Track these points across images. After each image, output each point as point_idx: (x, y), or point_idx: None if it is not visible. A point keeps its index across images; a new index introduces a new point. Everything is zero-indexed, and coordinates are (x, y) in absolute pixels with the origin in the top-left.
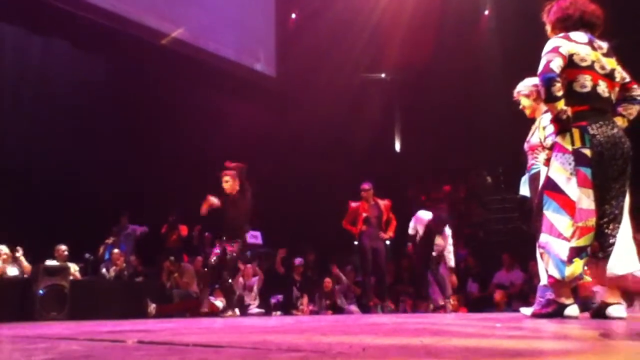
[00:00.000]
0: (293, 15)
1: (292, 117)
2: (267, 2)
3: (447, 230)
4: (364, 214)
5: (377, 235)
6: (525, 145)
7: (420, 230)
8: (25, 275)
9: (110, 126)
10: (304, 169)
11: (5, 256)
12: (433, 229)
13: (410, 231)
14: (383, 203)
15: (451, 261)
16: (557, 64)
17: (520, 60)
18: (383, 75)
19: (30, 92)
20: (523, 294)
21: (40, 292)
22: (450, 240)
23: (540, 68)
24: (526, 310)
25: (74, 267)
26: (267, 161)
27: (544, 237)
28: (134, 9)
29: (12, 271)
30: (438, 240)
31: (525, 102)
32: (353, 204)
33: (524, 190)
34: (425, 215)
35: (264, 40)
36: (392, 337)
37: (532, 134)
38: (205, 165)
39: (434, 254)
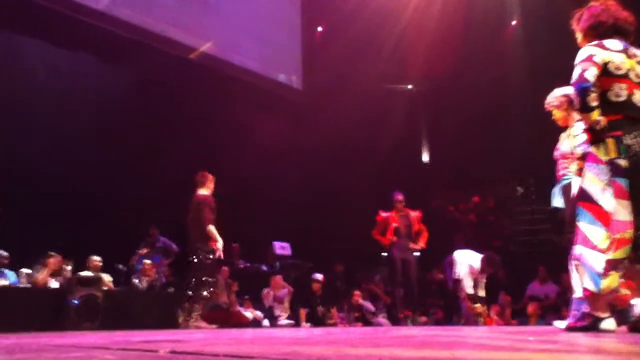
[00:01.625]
0: (319, 29)
1: (319, 129)
2: (293, 16)
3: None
4: (394, 225)
5: (407, 246)
6: (556, 154)
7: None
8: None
9: (136, 138)
10: (331, 180)
11: (55, 263)
12: (484, 269)
13: (468, 289)
14: (414, 214)
15: (483, 291)
16: (592, 73)
17: (548, 70)
18: (410, 86)
19: (56, 105)
20: (556, 306)
21: (74, 302)
22: (484, 281)
23: (575, 77)
24: (560, 324)
25: (107, 278)
26: (294, 172)
27: (578, 249)
28: (159, 23)
29: (54, 284)
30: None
31: (556, 114)
32: (383, 214)
33: (557, 201)
34: (472, 259)
35: (290, 53)
36: (422, 350)
37: (563, 142)
38: (233, 177)
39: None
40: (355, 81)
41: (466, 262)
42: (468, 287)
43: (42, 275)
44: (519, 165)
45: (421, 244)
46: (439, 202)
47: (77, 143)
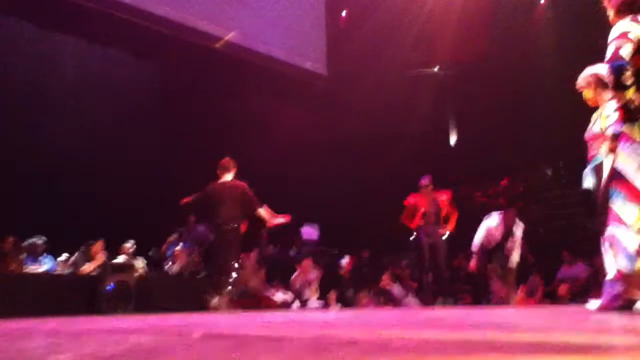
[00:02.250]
0: (344, 13)
1: (345, 114)
2: (317, 0)
3: (518, 232)
4: (422, 209)
5: (435, 231)
6: (587, 135)
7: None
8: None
9: (168, 128)
10: (358, 166)
11: (99, 252)
12: (505, 227)
13: (476, 247)
14: (442, 197)
15: (513, 263)
16: (627, 51)
17: (578, 50)
18: (436, 69)
19: (90, 99)
20: (588, 288)
21: (108, 288)
22: (518, 242)
23: (609, 55)
24: (593, 305)
25: (139, 264)
26: (321, 159)
27: (611, 230)
28: (185, 13)
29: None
30: (509, 243)
31: (586, 94)
32: (411, 199)
33: (588, 182)
34: (490, 221)
35: (314, 39)
36: (454, 332)
37: (594, 122)
38: (261, 164)
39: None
40: (381, 65)
41: (485, 225)
42: (476, 244)
43: (88, 267)
44: (548, 148)
45: (449, 227)
46: (466, 189)
47: (107, 133)
